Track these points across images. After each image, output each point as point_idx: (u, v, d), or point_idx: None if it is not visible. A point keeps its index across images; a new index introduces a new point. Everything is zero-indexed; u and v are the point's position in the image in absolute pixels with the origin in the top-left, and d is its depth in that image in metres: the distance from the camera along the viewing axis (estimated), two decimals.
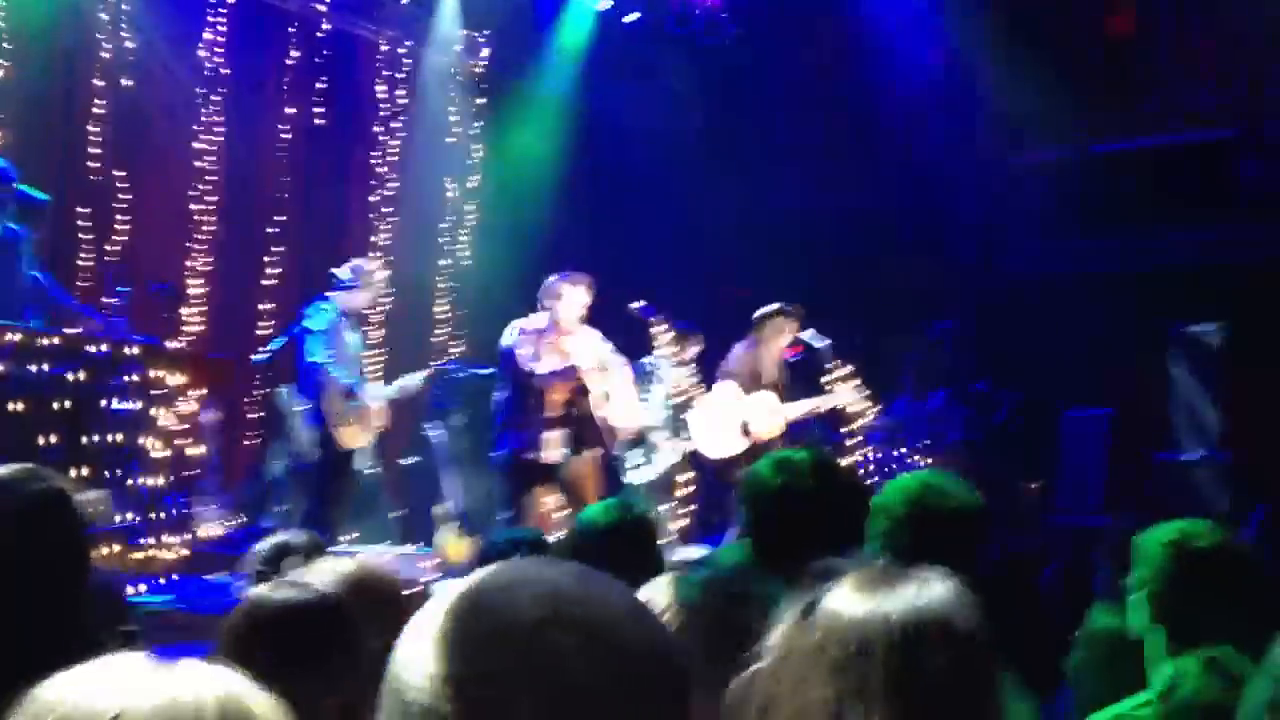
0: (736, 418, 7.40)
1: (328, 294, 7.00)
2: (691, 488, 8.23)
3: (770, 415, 7.37)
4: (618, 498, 3.74)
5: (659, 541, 3.38)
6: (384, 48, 10.43)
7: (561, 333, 6.64)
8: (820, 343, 7.52)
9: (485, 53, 10.83)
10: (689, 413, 7.60)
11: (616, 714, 0.86)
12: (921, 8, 9.74)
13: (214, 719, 0.89)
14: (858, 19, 10.08)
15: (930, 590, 1.36)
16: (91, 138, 8.31)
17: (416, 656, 0.89)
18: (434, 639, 0.89)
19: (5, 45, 7.76)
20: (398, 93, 10.49)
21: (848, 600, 1.35)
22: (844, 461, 8.08)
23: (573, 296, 6.63)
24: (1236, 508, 7.17)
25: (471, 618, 0.89)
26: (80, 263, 8.11)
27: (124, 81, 8.38)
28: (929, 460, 8.23)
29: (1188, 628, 2.57)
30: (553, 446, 6.54)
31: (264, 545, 3.14)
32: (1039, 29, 9.42)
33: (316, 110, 9.74)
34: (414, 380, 7.23)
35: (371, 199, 10.30)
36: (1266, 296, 8.36)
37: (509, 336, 6.64)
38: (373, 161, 10.33)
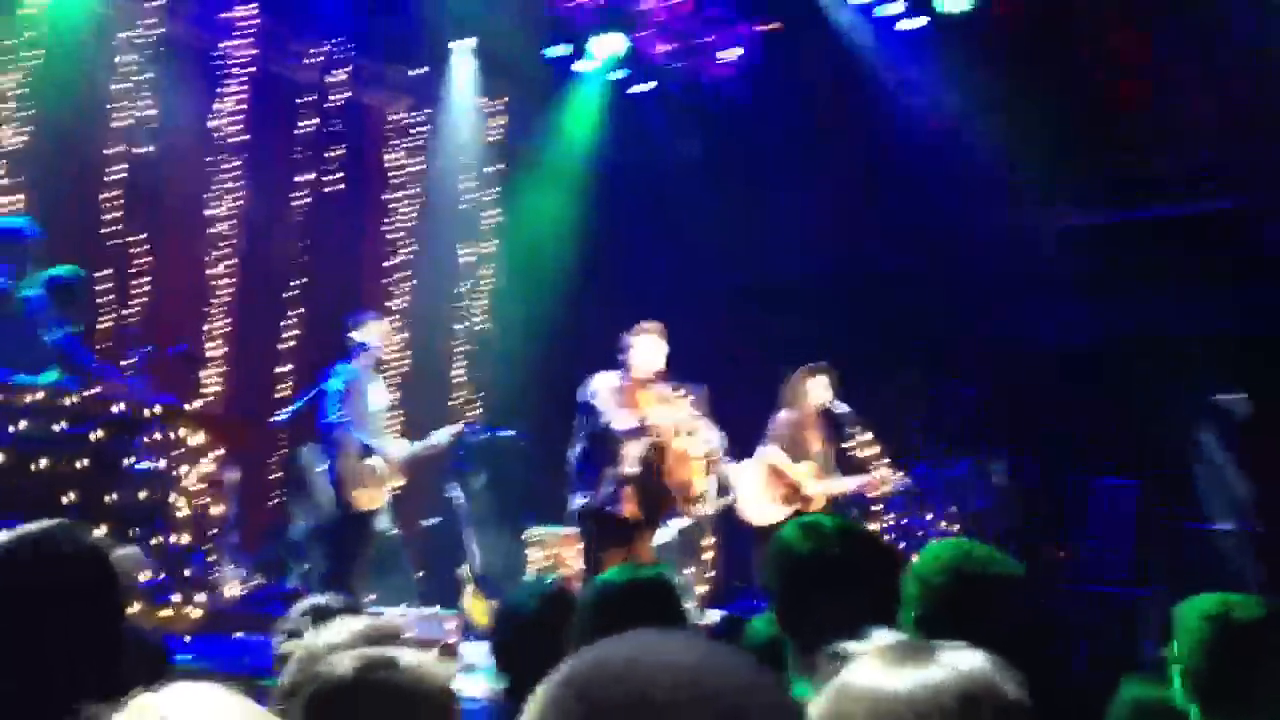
0: (780, 484, 7.34)
1: (347, 359, 7.03)
2: (712, 552, 8.17)
3: (814, 486, 7.31)
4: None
5: (680, 601, 3.30)
6: (397, 116, 10.55)
7: (638, 385, 6.51)
8: (841, 409, 7.48)
9: (499, 120, 10.94)
10: (734, 474, 7.50)
11: None
12: (929, 69, 9.81)
13: None
14: (865, 82, 10.14)
15: (970, 659, 1.30)
16: (110, 203, 8.40)
17: None
18: (566, 717, 0.85)
19: (27, 112, 7.87)
20: (412, 160, 10.59)
21: (883, 675, 1.28)
22: (868, 527, 8.04)
23: (644, 346, 6.52)
24: (1269, 579, 7.09)
25: (611, 696, 0.85)
26: (100, 325, 8.17)
27: (142, 148, 8.48)
28: (955, 526, 8.17)
29: (1226, 703, 2.52)
30: (629, 502, 6.39)
31: (300, 608, 3.12)
32: (1050, 91, 9.46)
33: (330, 177, 9.84)
34: (442, 436, 7.21)
35: (386, 264, 10.37)
36: None
37: (587, 390, 6.52)
38: (386, 228, 10.42)
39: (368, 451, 6.84)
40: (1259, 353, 8.44)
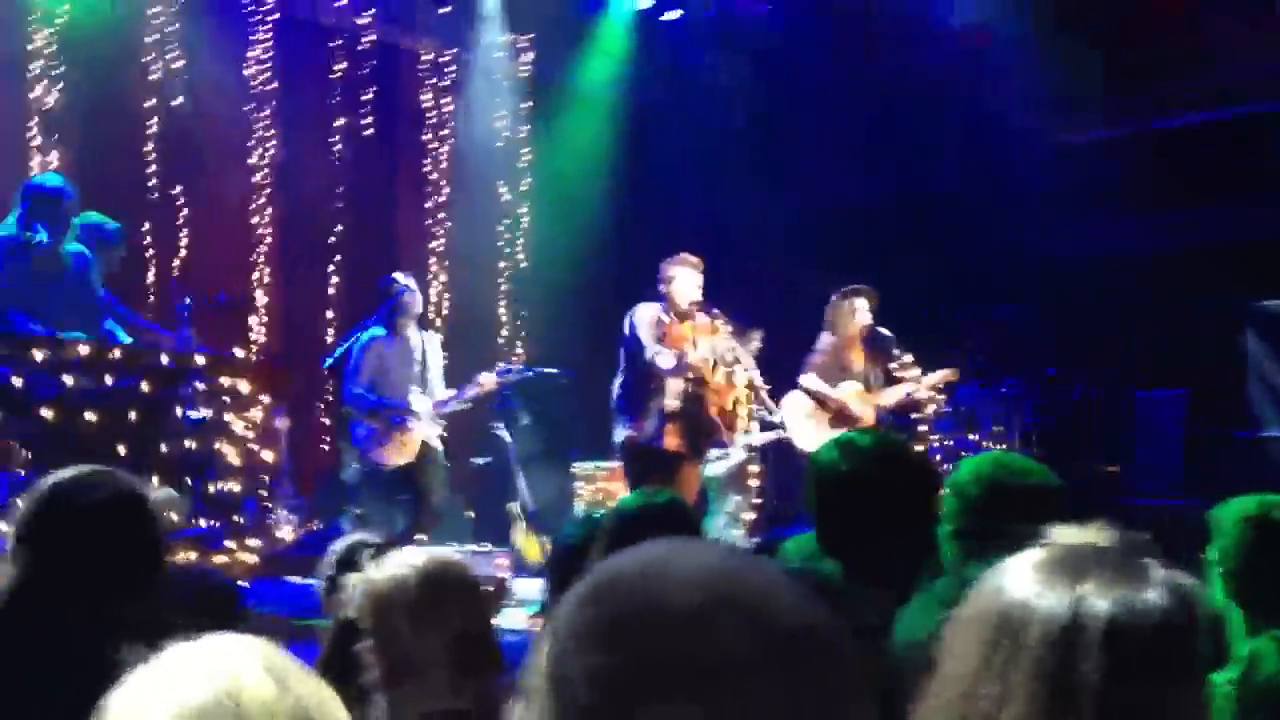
0: (827, 408, 7.31)
1: (377, 317, 7.07)
2: (758, 480, 8.19)
3: (862, 404, 7.28)
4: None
5: (698, 525, 3.28)
6: (428, 56, 10.50)
7: (679, 317, 6.50)
8: (883, 331, 7.42)
9: (529, 56, 10.86)
10: (783, 403, 7.48)
11: (782, 694, 0.82)
12: None
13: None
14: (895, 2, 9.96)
15: (1146, 581, 1.19)
16: (147, 157, 8.45)
17: (566, 647, 0.85)
18: (584, 628, 0.85)
19: (58, 70, 7.91)
20: (444, 100, 10.55)
21: (1036, 586, 1.19)
22: (916, 448, 8.00)
23: (684, 278, 6.49)
24: None
25: (626, 604, 0.85)
26: (145, 279, 8.27)
27: (175, 101, 8.51)
28: (1002, 446, 8.11)
29: (1267, 604, 2.49)
30: (672, 435, 6.40)
31: (338, 546, 3.17)
32: (1078, 7, 9.25)
33: (365, 121, 9.83)
34: (471, 390, 7.23)
35: (425, 206, 10.38)
36: None
37: (628, 323, 6.51)
38: (424, 169, 10.41)
39: (390, 411, 6.88)
40: None
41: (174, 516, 5.12)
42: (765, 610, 0.84)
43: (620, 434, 6.52)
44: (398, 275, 7.17)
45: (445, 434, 7.24)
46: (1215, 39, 9.05)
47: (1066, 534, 1.28)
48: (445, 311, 10.22)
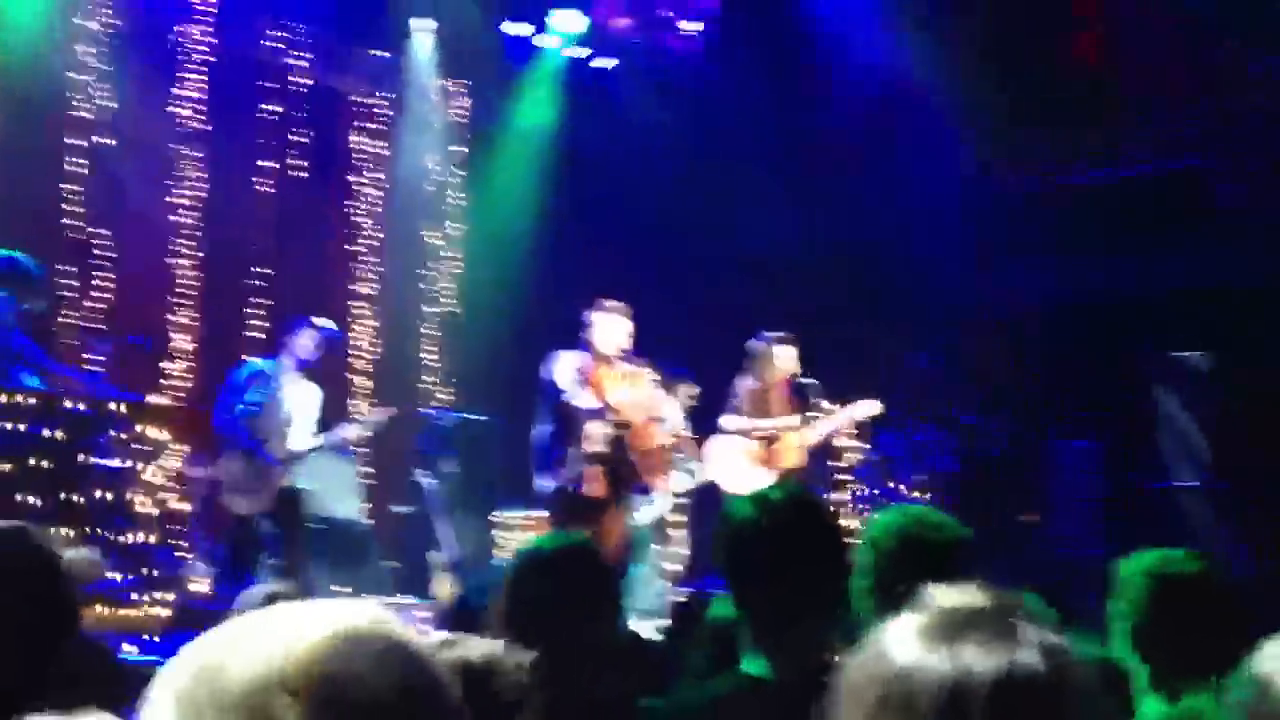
0: (754, 451, 7.33)
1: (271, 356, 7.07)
2: (684, 530, 8.18)
3: (793, 447, 7.31)
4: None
5: (608, 569, 3.23)
6: (360, 99, 10.48)
7: (600, 363, 6.46)
8: (807, 380, 7.48)
9: (463, 101, 10.89)
10: (709, 449, 7.47)
11: None
12: (891, 32, 9.80)
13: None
14: (827, 49, 10.14)
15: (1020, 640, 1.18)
16: (69, 195, 8.32)
17: None
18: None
19: None
20: (375, 143, 10.53)
21: (918, 651, 1.18)
22: (835, 496, 8.08)
23: (604, 325, 6.47)
24: (1231, 535, 7.15)
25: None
26: (63, 320, 8.10)
27: (101, 140, 8.40)
28: (921, 495, 8.20)
29: (1169, 659, 2.52)
30: (595, 481, 6.34)
31: (252, 596, 3.12)
32: (1005, 48, 9.48)
33: (294, 162, 9.77)
34: (350, 430, 7.19)
35: (354, 248, 10.32)
36: (1251, 322, 8.38)
37: (547, 369, 6.48)
38: (353, 211, 10.36)
39: (252, 452, 6.81)
40: (1215, 310, 8.50)
41: (91, 578, 5.00)
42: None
43: (542, 481, 6.49)
44: (302, 327, 7.15)
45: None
46: (1125, 91, 9.33)
47: (942, 594, 1.31)
48: (374, 354, 10.13)
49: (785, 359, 7.39)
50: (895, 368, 9.35)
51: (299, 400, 7.08)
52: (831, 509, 3.11)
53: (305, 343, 7.05)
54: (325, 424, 7.24)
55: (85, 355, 7.19)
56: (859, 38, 9.90)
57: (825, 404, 7.43)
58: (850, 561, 2.65)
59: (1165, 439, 8.46)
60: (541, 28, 10.42)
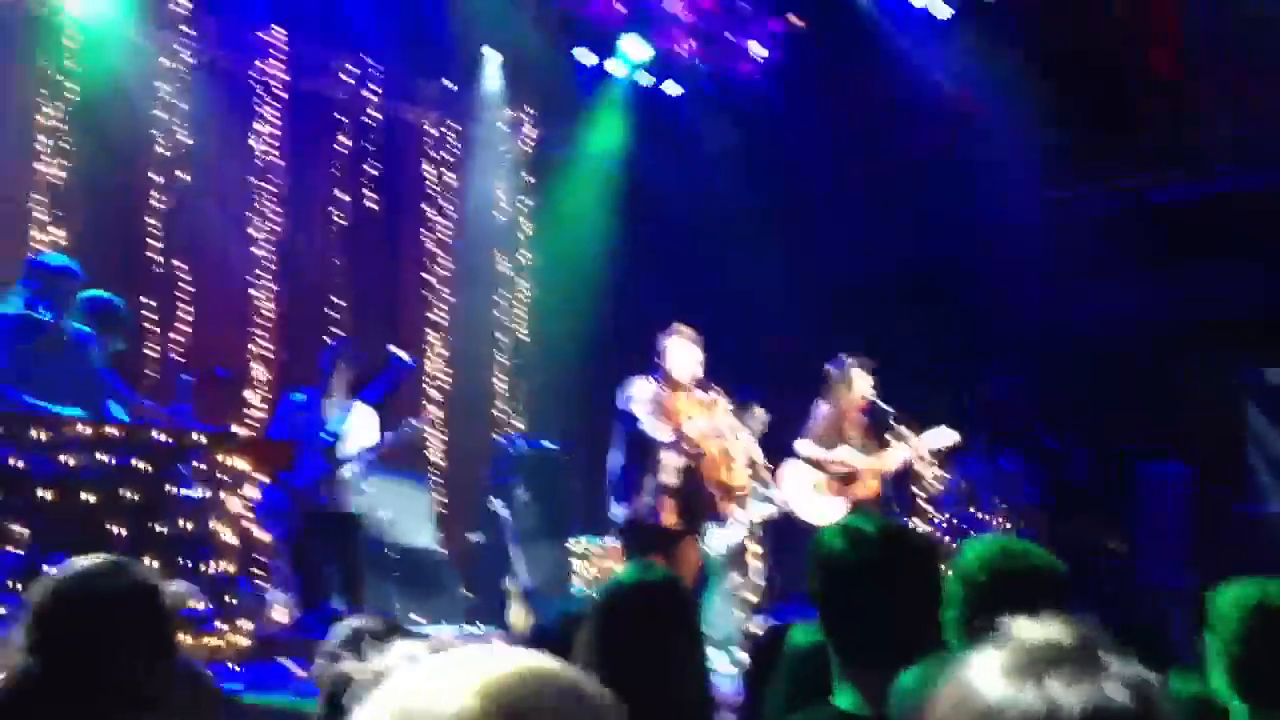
0: (827, 476, 7.26)
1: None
2: (760, 561, 8.11)
3: (864, 463, 7.23)
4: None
5: (693, 604, 3.20)
6: (431, 130, 10.61)
7: (674, 390, 6.41)
8: (883, 407, 7.39)
9: (531, 130, 10.98)
10: (783, 474, 7.41)
11: None
12: (958, 54, 9.72)
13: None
14: (895, 72, 10.07)
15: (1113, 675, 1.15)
16: (151, 230, 8.51)
17: None
18: None
19: (65, 145, 7.99)
20: (446, 173, 10.64)
21: (1005, 687, 1.15)
22: (916, 525, 7.96)
23: (678, 351, 6.43)
24: None
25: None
26: (146, 353, 8.28)
27: (181, 175, 8.59)
28: (1005, 523, 8.05)
29: (1270, 695, 2.43)
30: (670, 511, 6.29)
31: (339, 630, 3.11)
32: (1080, 65, 9.34)
33: (368, 194, 9.91)
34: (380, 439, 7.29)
35: (426, 278, 10.43)
36: None
37: (622, 398, 6.42)
38: (425, 241, 10.48)
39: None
40: None
41: (184, 606, 5.08)
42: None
43: (617, 510, 6.45)
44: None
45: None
46: (1217, 105, 9.14)
47: (1025, 627, 1.27)
48: (447, 384, 10.21)
49: (862, 384, 7.32)
50: (976, 393, 9.20)
51: (343, 418, 7.17)
52: (926, 539, 3.06)
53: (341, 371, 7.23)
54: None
55: (167, 387, 7.31)
56: (929, 57, 9.83)
57: (902, 429, 7.32)
58: (941, 592, 2.60)
59: (1256, 460, 8.24)
60: (610, 54, 10.48)
